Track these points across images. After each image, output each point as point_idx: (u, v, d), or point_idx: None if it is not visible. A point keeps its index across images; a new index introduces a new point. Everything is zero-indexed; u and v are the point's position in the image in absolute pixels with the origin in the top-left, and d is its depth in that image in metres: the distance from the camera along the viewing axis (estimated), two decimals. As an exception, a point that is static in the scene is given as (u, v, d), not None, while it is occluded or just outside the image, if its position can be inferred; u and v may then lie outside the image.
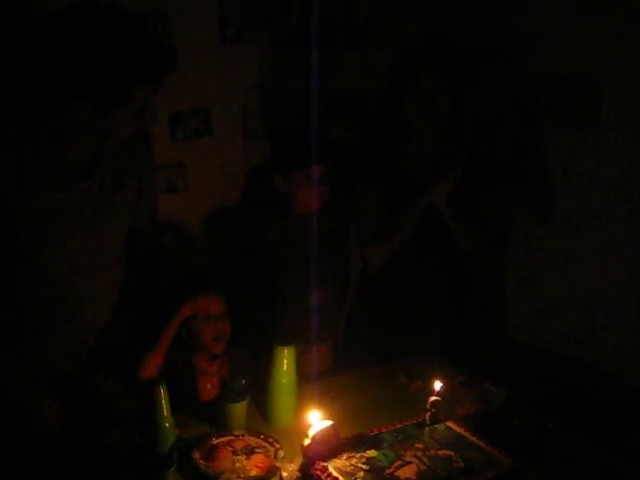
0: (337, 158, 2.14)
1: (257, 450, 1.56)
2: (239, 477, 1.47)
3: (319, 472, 1.45)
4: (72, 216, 1.57)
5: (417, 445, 1.55)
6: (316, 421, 1.51)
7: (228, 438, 1.59)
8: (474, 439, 1.59)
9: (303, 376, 1.77)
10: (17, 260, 1.56)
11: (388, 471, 1.45)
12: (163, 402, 1.48)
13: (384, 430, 1.61)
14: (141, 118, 1.52)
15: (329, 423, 1.51)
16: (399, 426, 1.62)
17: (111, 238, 1.68)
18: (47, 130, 1.52)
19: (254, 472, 1.49)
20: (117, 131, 1.51)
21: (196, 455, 1.52)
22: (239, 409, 1.64)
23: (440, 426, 1.63)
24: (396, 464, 1.48)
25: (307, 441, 1.48)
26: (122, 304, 1.77)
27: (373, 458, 1.49)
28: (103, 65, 1.41)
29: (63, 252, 1.58)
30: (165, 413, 1.49)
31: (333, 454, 1.49)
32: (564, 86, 2.27)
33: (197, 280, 1.97)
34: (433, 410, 1.63)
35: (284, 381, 1.69)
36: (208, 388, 1.94)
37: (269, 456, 1.54)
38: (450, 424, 1.65)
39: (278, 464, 1.51)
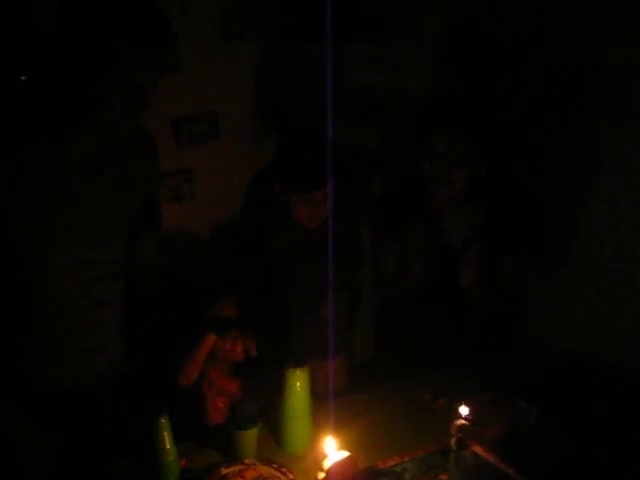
0: (346, 172, 1.99)
1: (269, 481, 1.46)
2: (249, 512, 1.37)
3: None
4: (78, 219, 1.48)
5: (441, 476, 1.44)
6: (331, 452, 1.40)
7: (238, 468, 1.50)
8: (503, 466, 1.47)
9: (317, 394, 1.66)
10: (22, 269, 1.46)
11: (410, 506, 1.35)
12: (165, 434, 1.40)
13: (406, 459, 1.50)
14: (135, 100, 1.37)
15: (345, 454, 1.40)
16: (422, 454, 1.52)
17: (115, 245, 1.59)
18: (47, 128, 1.42)
19: (266, 506, 1.39)
20: (110, 108, 1.36)
21: (204, 488, 1.43)
22: (249, 436, 1.54)
23: (466, 453, 1.51)
24: (419, 498, 1.37)
25: (322, 474, 1.37)
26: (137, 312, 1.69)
27: (394, 491, 1.39)
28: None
29: (69, 258, 1.49)
30: (168, 446, 1.41)
31: (350, 488, 1.38)
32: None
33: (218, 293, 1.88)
34: (459, 435, 1.51)
35: (297, 405, 1.58)
36: (221, 408, 1.84)
37: (282, 488, 1.44)
38: (477, 449, 1.53)
39: (291, 496, 1.41)
